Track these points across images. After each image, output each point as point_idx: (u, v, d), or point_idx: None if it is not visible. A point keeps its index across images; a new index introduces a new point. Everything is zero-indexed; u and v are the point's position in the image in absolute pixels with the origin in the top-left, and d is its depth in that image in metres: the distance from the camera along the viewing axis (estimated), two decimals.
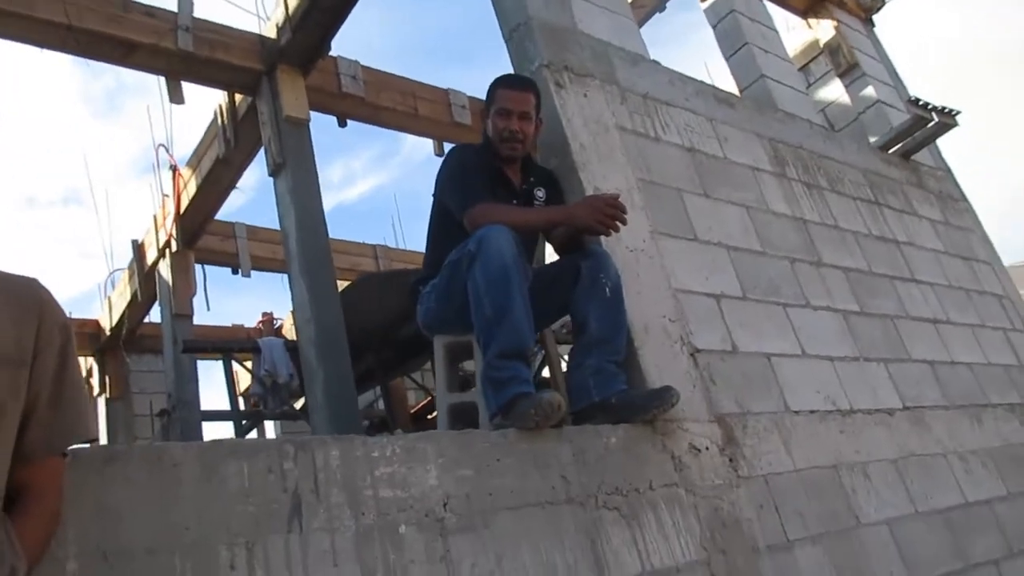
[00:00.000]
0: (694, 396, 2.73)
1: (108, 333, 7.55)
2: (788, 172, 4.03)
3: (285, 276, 7.35)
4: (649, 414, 2.51)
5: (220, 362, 5.22)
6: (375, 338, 4.98)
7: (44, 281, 1.42)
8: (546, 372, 3.77)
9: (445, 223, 2.85)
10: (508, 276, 2.43)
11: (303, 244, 4.70)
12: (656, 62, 3.75)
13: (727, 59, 4.80)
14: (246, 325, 8.80)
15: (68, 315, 1.49)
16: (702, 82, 4.01)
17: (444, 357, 2.84)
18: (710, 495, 2.54)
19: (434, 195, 2.93)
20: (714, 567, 2.39)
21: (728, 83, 4.86)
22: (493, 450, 2.17)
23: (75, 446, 1.47)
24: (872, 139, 5.27)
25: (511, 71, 3.20)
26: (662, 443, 2.54)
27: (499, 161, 2.86)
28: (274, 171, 4.91)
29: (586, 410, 2.55)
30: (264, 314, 7.78)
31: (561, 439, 2.32)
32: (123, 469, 1.61)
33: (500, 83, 2.88)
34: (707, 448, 2.65)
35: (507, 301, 2.41)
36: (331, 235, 4.93)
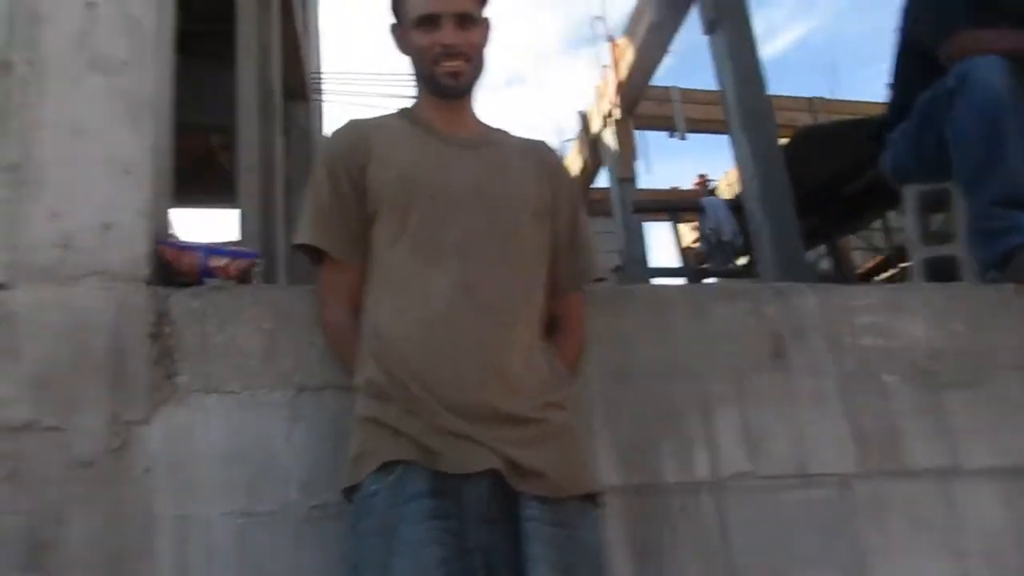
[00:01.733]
0: None
1: None
2: None
3: (720, 137, 7.37)
4: None
5: (661, 222, 5.51)
6: (820, 194, 4.79)
7: None
8: None
9: (913, 60, 2.56)
10: (1000, 113, 2.13)
11: (742, 100, 4.64)
12: None
13: None
14: (681, 187, 9.11)
15: None
16: None
17: (916, 207, 2.64)
18: None
19: (901, 28, 2.64)
20: None
21: None
22: (988, 305, 1.99)
23: (590, 284, 1.72)
24: None
25: None
26: None
27: None
28: (709, 28, 4.87)
29: None
30: (699, 176, 7.95)
31: None
32: (631, 307, 1.84)
33: None
34: None
35: (999, 142, 2.12)
36: None
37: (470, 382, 1.32)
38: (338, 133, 1.52)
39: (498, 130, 1.64)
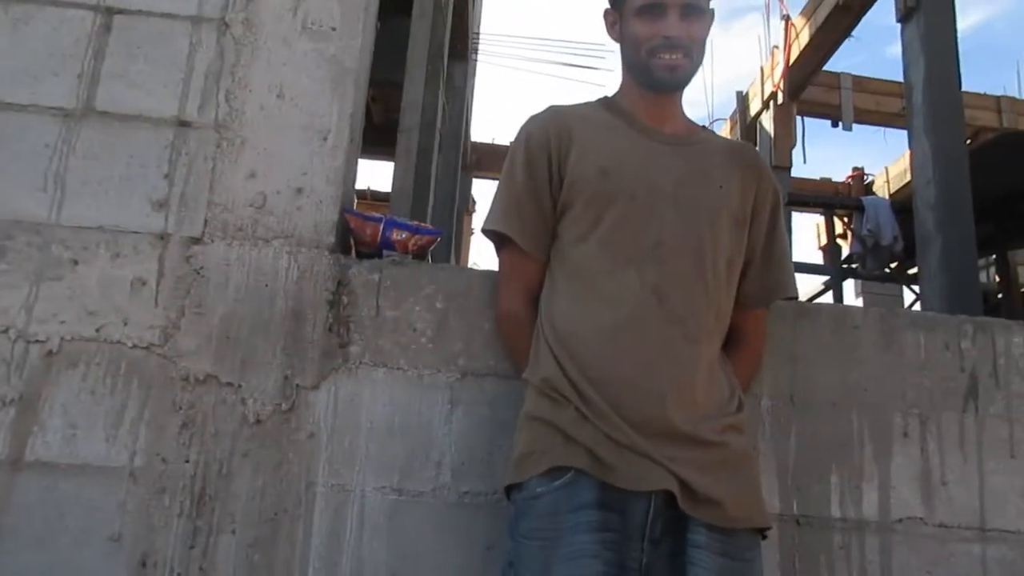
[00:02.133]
0: None
1: None
2: None
3: (884, 130, 6.88)
4: None
5: (806, 213, 5.20)
6: (1002, 204, 4.39)
7: None
8: None
9: None
10: None
11: (931, 97, 4.27)
12: None
13: None
14: (833, 179, 8.61)
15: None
16: None
17: None
18: None
19: None
20: None
21: None
22: None
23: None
24: None
25: None
26: None
27: None
28: (904, 16, 4.48)
29: None
30: (854, 169, 7.50)
31: None
32: (811, 326, 1.71)
33: None
34: None
35: None
36: None
37: (651, 396, 1.26)
38: (539, 119, 1.45)
39: (703, 128, 1.54)
